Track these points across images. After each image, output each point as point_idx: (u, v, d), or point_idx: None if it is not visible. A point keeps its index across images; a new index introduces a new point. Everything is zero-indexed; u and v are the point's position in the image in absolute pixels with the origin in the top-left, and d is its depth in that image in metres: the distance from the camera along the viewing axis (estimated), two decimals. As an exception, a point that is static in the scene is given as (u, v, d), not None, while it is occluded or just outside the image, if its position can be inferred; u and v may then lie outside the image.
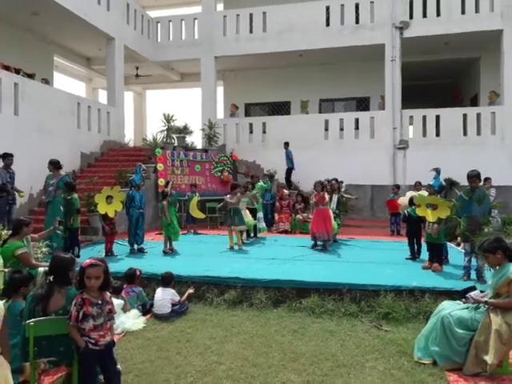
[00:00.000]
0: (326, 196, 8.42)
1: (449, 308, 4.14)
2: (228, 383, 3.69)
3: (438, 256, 6.53)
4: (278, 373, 3.87)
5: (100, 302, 3.27)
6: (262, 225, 10.23)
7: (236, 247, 8.40)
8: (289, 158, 13.74)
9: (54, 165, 7.82)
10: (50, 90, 12.07)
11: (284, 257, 7.48)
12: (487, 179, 10.06)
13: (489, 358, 3.68)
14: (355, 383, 3.67)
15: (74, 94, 13.36)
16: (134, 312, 5.31)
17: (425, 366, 3.95)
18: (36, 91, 11.00)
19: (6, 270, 4.71)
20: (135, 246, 8.07)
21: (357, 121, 14.62)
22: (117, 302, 5.09)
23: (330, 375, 3.82)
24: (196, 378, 3.79)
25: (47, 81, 13.25)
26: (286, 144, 13.89)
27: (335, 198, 9.12)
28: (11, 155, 8.25)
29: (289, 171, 13.80)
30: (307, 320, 5.18)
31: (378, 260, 7.21)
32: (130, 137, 16.38)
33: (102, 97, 19.35)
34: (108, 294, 3.41)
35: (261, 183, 10.86)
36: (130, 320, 5.07)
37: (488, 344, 3.74)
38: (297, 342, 4.55)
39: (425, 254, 6.95)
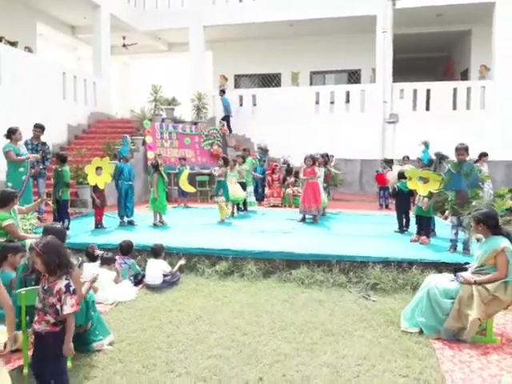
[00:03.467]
0: (317, 170, 8.45)
1: (435, 281, 4.25)
2: (219, 351, 3.77)
3: (426, 229, 6.64)
4: (269, 341, 3.97)
5: (45, 287, 2.92)
6: (252, 199, 10.25)
7: (218, 219, 8.41)
8: (223, 106, 13.88)
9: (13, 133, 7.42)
10: (33, 59, 11.72)
11: (274, 230, 7.54)
12: (485, 155, 10.18)
13: (471, 313, 3.83)
14: (343, 351, 3.78)
15: (59, 63, 13.03)
16: (126, 283, 5.36)
17: (411, 335, 4.07)
18: (19, 60, 10.69)
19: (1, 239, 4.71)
20: (125, 219, 8.04)
21: (348, 94, 14.54)
22: (109, 273, 5.15)
23: (319, 343, 3.93)
24: (188, 346, 3.86)
25: (30, 49, 12.84)
26: (222, 91, 14.03)
27: (322, 171, 9.17)
28: (39, 126, 8.01)
29: (226, 118, 13.95)
30: (297, 290, 5.28)
31: (366, 233, 7.31)
32: (117, 108, 16.10)
33: (88, 67, 18.88)
34: (62, 286, 2.87)
35: (250, 158, 10.80)
36: (121, 291, 5.11)
37: (472, 299, 3.87)
38: (286, 312, 4.65)
39: (413, 228, 7.08)
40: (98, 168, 7.53)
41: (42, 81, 11.30)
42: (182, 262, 5.85)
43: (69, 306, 2.87)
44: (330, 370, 3.45)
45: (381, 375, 3.37)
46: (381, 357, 3.66)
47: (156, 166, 8.01)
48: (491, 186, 9.94)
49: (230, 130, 13.98)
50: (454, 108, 13.69)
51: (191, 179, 11.12)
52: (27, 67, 10.84)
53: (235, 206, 9.57)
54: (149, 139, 11.96)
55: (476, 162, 8.97)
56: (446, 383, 3.25)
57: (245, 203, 9.89)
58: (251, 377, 3.36)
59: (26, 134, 8.02)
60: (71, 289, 2.91)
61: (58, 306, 2.86)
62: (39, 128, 8.12)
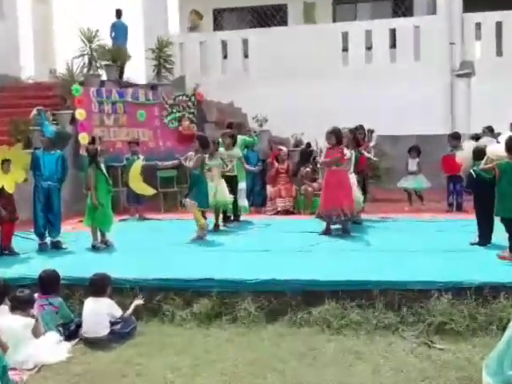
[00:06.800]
0: (346, 152, 8.52)
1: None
2: None
3: None
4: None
5: None
6: (244, 202, 10.29)
7: (195, 235, 8.56)
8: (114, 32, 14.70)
9: None
10: None
11: (283, 247, 7.67)
12: None
13: None
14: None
15: None
16: (53, 336, 5.44)
17: (499, 398, 4.18)
18: None
19: None
20: (47, 239, 8.16)
21: (393, 33, 14.68)
22: (24, 322, 5.23)
23: (358, 417, 4.04)
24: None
25: None
26: (118, 13, 14.81)
27: (352, 155, 9.13)
28: None
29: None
30: (320, 338, 5.38)
31: (426, 248, 7.45)
32: (30, 69, 16.22)
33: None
34: None
35: (243, 137, 10.89)
36: (45, 348, 5.20)
37: None
38: (306, 371, 4.74)
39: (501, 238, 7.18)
40: (4, 162, 7.62)
41: None
42: (139, 301, 5.93)
43: None
44: None
45: None
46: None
47: (93, 156, 8.11)
48: None
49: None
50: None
51: (150, 175, 11.21)
52: None
53: (221, 215, 9.67)
54: (81, 114, 12.07)
55: None
56: None
57: (236, 209, 10.02)
58: None
59: None
60: None
61: None
62: None
